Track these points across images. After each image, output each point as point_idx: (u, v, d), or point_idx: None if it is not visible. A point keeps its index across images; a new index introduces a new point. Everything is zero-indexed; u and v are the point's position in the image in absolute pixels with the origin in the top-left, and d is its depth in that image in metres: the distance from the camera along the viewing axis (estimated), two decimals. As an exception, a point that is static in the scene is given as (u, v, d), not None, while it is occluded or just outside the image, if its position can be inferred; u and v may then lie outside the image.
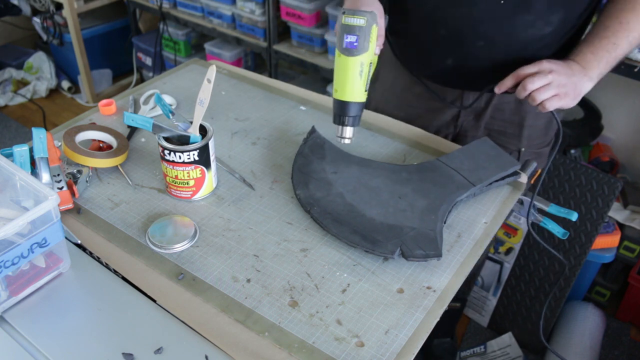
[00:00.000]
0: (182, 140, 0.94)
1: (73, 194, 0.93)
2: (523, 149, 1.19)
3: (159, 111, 1.17)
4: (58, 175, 0.93)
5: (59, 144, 1.07)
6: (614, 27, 0.95)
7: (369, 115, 1.17)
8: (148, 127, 0.91)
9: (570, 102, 0.94)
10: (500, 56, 1.04)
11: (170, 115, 0.94)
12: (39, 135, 0.95)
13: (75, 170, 0.97)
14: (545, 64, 0.93)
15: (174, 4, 2.66)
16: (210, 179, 0.95)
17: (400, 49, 1.17)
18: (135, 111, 1.16)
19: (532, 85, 0.92)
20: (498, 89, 0.98)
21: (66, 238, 0.84)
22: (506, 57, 1.03)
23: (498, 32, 1.01)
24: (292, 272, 0.83)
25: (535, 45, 1.02)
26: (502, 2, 0.97)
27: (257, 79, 1.31)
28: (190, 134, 0.94)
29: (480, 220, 0.92)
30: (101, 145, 1.06)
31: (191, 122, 0.95)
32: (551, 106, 0.93)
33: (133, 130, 1.12)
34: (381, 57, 1.23)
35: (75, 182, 0.95)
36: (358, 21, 0.86)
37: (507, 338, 1.83)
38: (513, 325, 1.84)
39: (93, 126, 1.08)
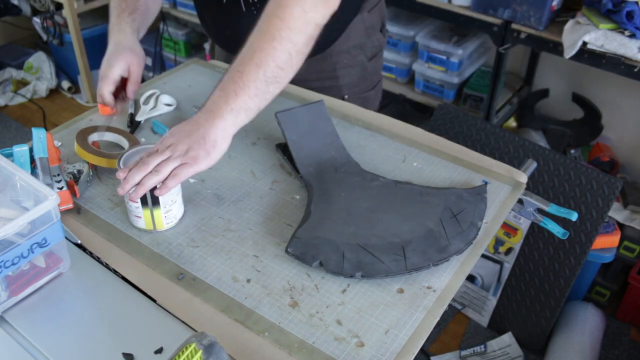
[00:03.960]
0: None
1: (74, 193, 0.93)
2: (346, 97, 1.28)
3: (159, 111, 1.17)
4: (58, 175, 0.93)
5: (59, 143, 1.07)
6: (242, 53, 0.88)
7: (369, 115, 1.17)
8: None
9: (206, 162, 0.84)
10: None
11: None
12: (39, 135, 0.95)
13: (75, 170, 0.97)
14: (167, 140, 0.84)
15: (174, 4, 2.66)
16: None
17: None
18: (135, 111, 1.17)
19: (139, 175, 0.81)
20: (122, 189, 0.82)
21: (66, 238, 0.84)
22: None
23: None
24: (292, 272, 0.83)
25: None
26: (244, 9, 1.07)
27: (257, 79, 1.31)
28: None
29: (480, 220, 0.92)
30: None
31: None
32: (183, 177, 0.82)
33: (133, 130, 1.12)
34: None
35: (76, 182, 0.95)
36: None
37: (507, 338, 1.83)
38: (513, 325, 1.84)
39: (105, 128, 1.08)
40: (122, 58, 1.06)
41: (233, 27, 1.17)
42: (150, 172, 0.81)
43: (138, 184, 0.82)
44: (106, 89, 1.04)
